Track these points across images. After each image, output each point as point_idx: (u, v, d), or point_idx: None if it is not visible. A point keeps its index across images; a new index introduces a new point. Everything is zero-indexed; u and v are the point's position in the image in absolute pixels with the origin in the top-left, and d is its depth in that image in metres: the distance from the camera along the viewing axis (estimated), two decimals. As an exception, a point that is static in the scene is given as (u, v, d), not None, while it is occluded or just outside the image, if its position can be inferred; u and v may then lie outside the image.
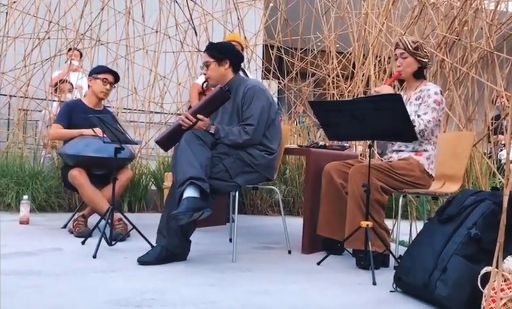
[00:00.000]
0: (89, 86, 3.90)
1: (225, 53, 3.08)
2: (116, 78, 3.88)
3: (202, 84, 3.28)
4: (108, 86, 3.82)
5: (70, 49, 5.56)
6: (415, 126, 2.91)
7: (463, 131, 3.85)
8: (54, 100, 5.36)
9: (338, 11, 5.74)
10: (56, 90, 5.37)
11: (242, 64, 3.25)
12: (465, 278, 2.19)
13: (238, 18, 5.79)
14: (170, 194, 3.03)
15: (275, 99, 6.01)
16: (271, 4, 6.20)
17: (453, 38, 3.99)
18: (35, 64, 5.35)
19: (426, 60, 3.15)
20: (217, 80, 3.08)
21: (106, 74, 3.82)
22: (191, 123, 2.89)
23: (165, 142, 3.00)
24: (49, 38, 5.40)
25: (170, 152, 4.12)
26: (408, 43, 3.10)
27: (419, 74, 3.17)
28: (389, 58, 4.52)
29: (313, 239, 3.33)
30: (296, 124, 6.41)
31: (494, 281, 2.00)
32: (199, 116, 2.90)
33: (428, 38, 4.35)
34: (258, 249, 3.46)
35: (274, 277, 2.69)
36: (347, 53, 5.68)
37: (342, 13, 5.65)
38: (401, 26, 4.59)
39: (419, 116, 3.02)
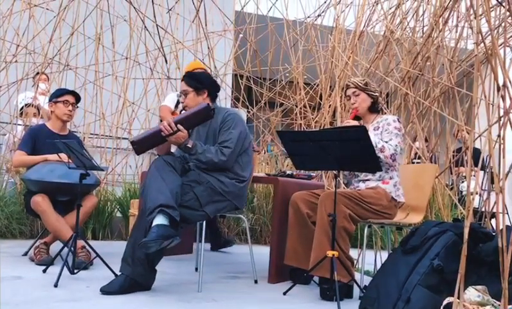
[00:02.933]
0: (52, 112, 3.84)
1: (203, 82, 3.13)
2: (77, 98, 3.82)
3: (181, 111, 3.27)
4: (70, 107, 3.77)
5: (38, 74, 5.49)
6: (384, 151, 3.07)
7: (426, 163, 3.95)
8: (19, 124, 5.26)
9: (306, 44, 5.87)
10: (21, 114, 5.27)
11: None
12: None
13: (208, 48, 5.84)
14: (136, 221, 2.99)
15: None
16: (241, 35, 6.28)
17: (416, 73, 4.13)
18: (0, 87, 5.25)
19: (377, 94, 3.36)
20: None
21: (66, 96, 3.76)
22: (171, 131, 2.87)
23: (140, 144, 2.92)
24: (16, 61, 5.32)
25: (137, 179, 4.05)
26: (357, 82, 3.32)
27: (374, 109, 3.35)
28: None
29: (280, 269, 3.33)
30: (264, 153, 6.46)
31: (456, 311, 2.05)
32: (179, 126, 2.88)
33: (392, 72, 4.48)
34: (224, 278, 3.44)
35: (240, 307, 2.68)
36: (314, 84, 5.79)
37: (310, 46, 5.77)
38: (367, 60, 4.72)
39: (386, 142, 3.13)
